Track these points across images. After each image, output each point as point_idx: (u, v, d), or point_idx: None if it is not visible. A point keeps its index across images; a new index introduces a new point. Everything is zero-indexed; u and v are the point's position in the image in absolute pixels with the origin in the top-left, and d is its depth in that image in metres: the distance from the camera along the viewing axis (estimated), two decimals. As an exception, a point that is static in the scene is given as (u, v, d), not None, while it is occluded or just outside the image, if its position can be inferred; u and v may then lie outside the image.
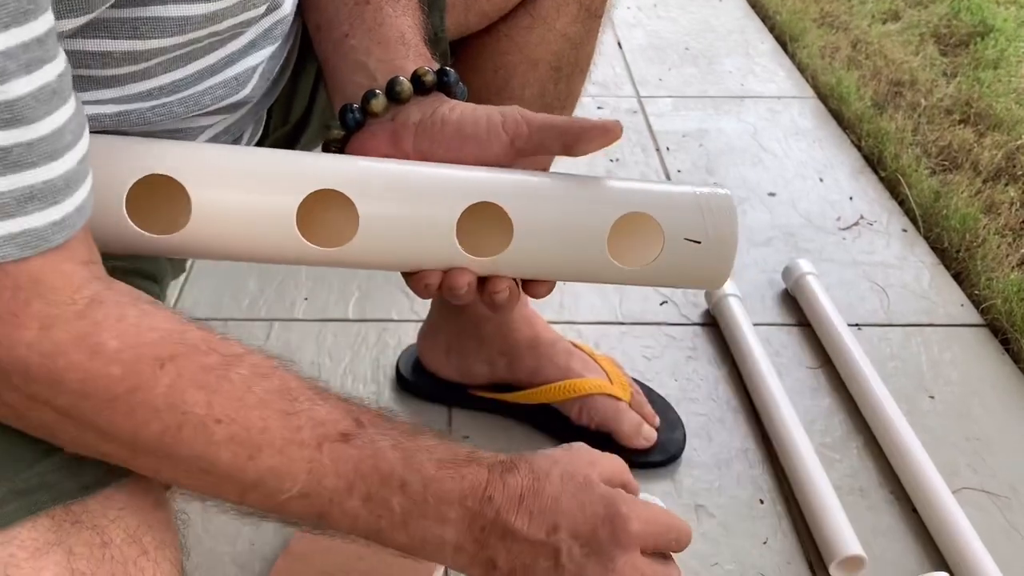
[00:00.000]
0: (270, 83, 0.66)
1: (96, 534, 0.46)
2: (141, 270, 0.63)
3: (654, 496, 0.74)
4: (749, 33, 1.92)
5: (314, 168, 0.55)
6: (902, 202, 1.37)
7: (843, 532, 0.84)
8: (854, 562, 0.83)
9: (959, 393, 1.05)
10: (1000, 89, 1.64)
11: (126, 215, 0.51)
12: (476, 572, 0.56)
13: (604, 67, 1.75)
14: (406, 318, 1.13)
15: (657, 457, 0.94)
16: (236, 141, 0.68)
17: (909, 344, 1.11)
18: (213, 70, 0.58)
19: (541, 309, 1.02)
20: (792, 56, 1.81)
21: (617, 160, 1.46)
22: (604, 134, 0.56)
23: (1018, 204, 1.34)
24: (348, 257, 0.55)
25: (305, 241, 0.54)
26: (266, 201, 0.53)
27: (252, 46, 0.60)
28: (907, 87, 1.66)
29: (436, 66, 0.60)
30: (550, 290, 0.59)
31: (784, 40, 1.86)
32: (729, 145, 1.52)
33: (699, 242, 0.57)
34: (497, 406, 0.98)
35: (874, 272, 1.23)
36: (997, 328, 1.13)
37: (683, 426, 0.97)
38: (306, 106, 0.75)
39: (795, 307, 1.16)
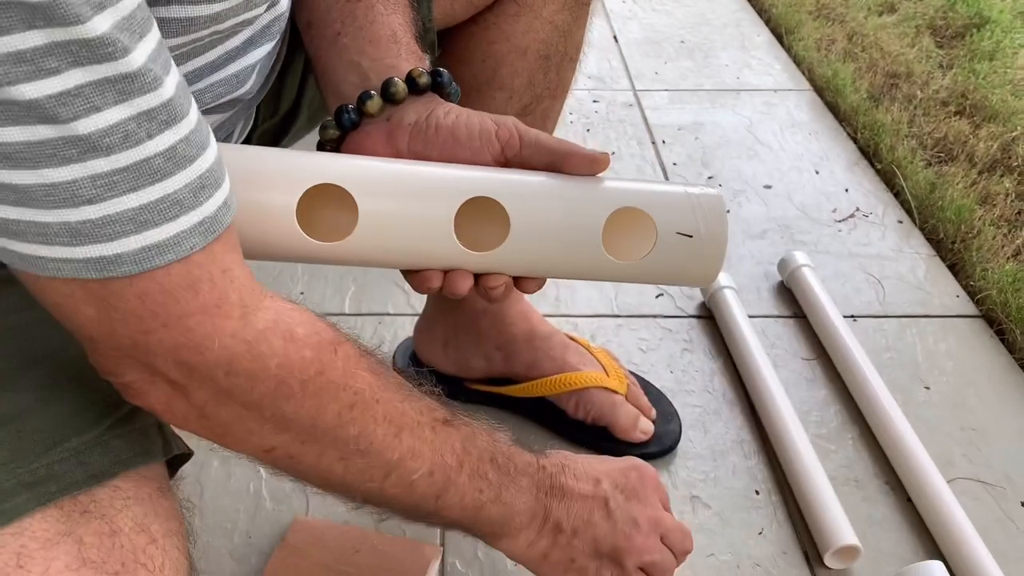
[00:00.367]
0: (264, 79, 0.66)
1: (105, 523, 0.46)
2: None
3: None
4: (745, 26, 1.92)
5: (313, 165, 0.55)
6: (898, 194, 1.37)
7: (838, 522, 0.84)
8: (849, 552, 0.83)
9: (954, 384, 1.05)
10: (996, 81, 1.64)
11: None
12: (545, 543, 0.66)
13: (600, 60, 1.75)
14: (402, 312, 1.13)
15: (653, 449, 0.94)
16: (227, 137, 0.68)
17: (904, 335, 1.12)
18: (213, 67, 0.58)
19: (537, 303, 1.02)
20: (788, 49, 1.81)
21: (613, 153, 1.46)
22: (591, 164, 0.59)
23: (1013, 195, 1.34)
24: (347, 253, 0.56)
25: (306, 236, 0.54)
26: (267, 198, 0.54)
27: (251, 43, 0.60)
28: (903, 79, 1.66)
29: (429, 66, 0.61)
30: (540, 286, 0.61)
31: (780, 33, 1.86)
32: (725, 138, 1.52)
33: (691, 236, 0.58)
34: (494, 400, 0.98)
35: (869, 264, 1.23)
36: (992, 319, 1.14)
37: (679, 418, 0.98)
38: (294, 98, 0.75)
39: (791, 299, 1.16)
